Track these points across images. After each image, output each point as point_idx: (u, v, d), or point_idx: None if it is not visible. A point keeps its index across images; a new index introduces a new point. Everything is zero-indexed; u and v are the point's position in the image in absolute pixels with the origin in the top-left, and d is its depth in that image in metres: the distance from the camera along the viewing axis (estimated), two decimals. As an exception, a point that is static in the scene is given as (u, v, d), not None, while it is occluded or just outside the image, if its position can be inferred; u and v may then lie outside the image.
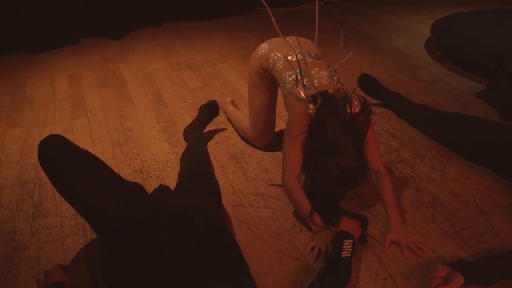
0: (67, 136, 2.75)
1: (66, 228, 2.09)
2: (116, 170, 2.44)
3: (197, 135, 2.58)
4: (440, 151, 2.49)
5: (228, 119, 2.85)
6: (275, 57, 2.23)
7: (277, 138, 2.51)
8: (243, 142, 2.65)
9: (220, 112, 2.93)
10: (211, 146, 2.64)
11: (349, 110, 2.00)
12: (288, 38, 2.24)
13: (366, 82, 2.97)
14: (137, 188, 1.94)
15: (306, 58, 2.15)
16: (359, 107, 2.02)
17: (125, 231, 1.58)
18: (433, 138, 2.59)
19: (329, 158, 1.94)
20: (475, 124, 2.41)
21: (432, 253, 1.86)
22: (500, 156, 2.24)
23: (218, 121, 2.87)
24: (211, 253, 1.49)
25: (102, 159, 2.50)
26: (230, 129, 2.79)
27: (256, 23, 4.66)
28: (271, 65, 2.24)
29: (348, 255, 1.68)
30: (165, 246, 1.48)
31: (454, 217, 2.04)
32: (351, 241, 1.73)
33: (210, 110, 2.74)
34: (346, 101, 1.99)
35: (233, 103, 2.88)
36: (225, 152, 2.58)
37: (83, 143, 2.70)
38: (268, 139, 2.54)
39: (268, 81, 2.34)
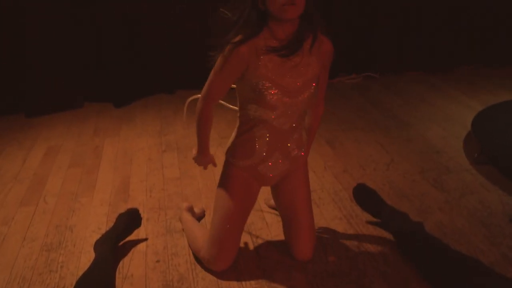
0: (2, 229, 2.37)
1: None
2: (26, 287, 1.99)
3: (105, 253, 2.03)
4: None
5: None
6: None
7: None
8: (189, 264, 2.09)
9: (178, 218, 2.41)
10: (150, 264, 2.11)
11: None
12: None
13: (363, 196, 2.34)
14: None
15: None
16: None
17: None
18: (433, 284, 1.93)
19: None
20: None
21: None
22: None
23: (175, 229, 2.35)
24: None
25: (22, 266, 2.08)
26: (184, 242, 2.25)
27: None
28: None
29: None
30: None
31: None
32: None
33: (129, 220, 2.22)
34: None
35: (190, 210, 2.34)
36: (160, 277, 2.03)
37: (12, 241, 2.28)
38: (230, 260, 2.00)
39: None
